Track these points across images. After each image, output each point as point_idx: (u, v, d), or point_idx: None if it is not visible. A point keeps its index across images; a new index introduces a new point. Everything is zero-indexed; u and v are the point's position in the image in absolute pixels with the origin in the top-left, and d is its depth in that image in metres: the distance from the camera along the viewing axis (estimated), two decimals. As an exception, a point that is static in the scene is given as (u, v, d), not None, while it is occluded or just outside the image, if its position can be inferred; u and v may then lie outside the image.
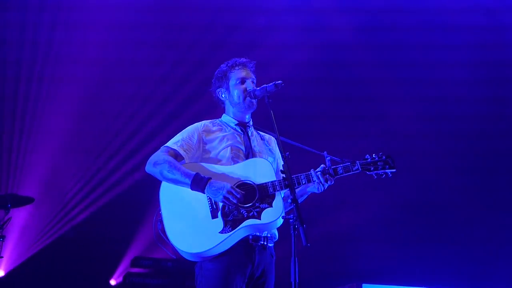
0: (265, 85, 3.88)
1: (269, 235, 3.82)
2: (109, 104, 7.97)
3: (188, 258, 3.74)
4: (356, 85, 8.11)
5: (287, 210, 3.87)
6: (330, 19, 8.14)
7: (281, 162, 4.08)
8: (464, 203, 7.99)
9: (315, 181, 3.77)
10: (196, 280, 3.78)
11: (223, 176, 3.76)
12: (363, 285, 6.67)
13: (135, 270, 7.38)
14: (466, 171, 8.02)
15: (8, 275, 7.46)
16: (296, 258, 3.34)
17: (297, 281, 3.32)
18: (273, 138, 4.17)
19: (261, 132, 4.17)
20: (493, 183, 7.97)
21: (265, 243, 3.79)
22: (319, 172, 3.76)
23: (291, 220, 3.43)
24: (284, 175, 3.61)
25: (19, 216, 7.53)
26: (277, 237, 3.92)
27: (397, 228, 7.95)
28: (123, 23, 7.96)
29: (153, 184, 3.93)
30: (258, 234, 3.76)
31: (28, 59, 7.87)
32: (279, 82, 3.81)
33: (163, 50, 8.09)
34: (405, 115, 8.10)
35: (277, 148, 4.14)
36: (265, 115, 3.86)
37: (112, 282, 7.76)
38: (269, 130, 4.13)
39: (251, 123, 4.13)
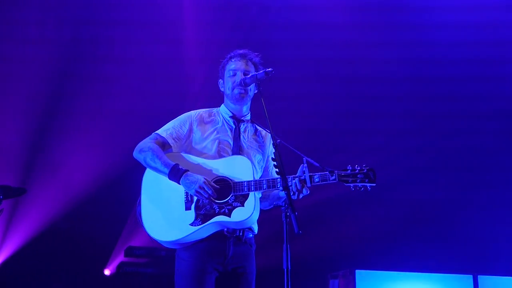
0: (255, 73, 3.87)
1: (246, 228, 3.84)
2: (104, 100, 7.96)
3: (163, 245, 3.84)
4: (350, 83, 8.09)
5: (270, 207, 3.95)
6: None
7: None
8: (459, 189, 8.03)
9: (290, 186, 3.69)
10: (175, 267, 3.88)
11: (202, 169, 3.81)
12: (356, 271, 6.72)
13: (128, 259, 7.40)
14: (462, 165, 8.06)
15: (1, 266, 7.46)
16: (288, 245, 3.34)
17: (290, 268, 3.33)
18: (268, 135, 4.10)
19: (258, 127, 4.14)
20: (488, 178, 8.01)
21: (241, 234, 3.82)
22: (296, 179, 3.69)
23: (282, 208, 3.44)
24: (275, 163, 3.58)
25: (11, 207, 7.51)
26: (256, 231, 3.94)
27: (389, 214, 7.98)
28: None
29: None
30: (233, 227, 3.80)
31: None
32: (269, 69, 3.78)
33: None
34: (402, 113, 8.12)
35: (271, 145, 4.08)
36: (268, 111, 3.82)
37: (106, 272, 7.76)
38: (263, 119, 4.09)
39: (248, 117, 4.10)
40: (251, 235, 3.90)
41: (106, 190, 7.70)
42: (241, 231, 3.81)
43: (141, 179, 3.92)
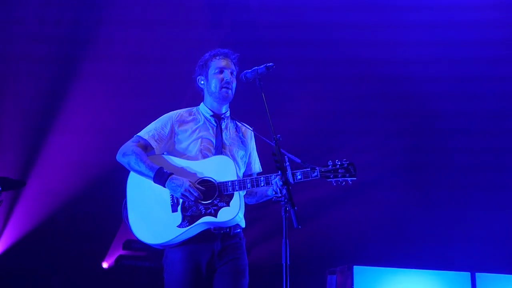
0: (256, 67, 3.86)
1: (232, 225, 3.88)
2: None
3: (152, 246, 3.89)
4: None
5: (257, 203, 4.02)
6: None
7: (255, 154, 4.18)
8: (458, 183, 8.04)
9: (272, 184, 3.74)
10: (164, 267, 3.94)
11: (186, 172, 3.85)
12: (354, 266, 6.72)
13: (126, 253, 7.40)
14: (461, 165, 8.07)
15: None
16: (287, 240, 3.35)
17: (288, 263, 3.33)
18: (249, 131, 4.18)
19: (239, 123, 4.17)
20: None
21: (229, 230, 3.86)
22: (277, 177, 3.70)
23: (282, 203, 3.44)
24: (275, 158, 3.58)
25: (10, 199, 7.51)
26: (243, 226, 3.97)
27: (388, 210, 7.99)
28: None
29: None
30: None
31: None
32: (270, 64, 3.79)
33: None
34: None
35: (253, 141, 4.19)
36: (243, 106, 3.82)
37: (104, 265, 7.77)
38: (262, 112, 4.07)
39: (228, 114, 4.14)
40: (238, 230, 3.94)
41: (105, 183, 7.70)
42: (229, 228, 3.86)
43: (125, 183, 3.97)
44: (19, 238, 7.61)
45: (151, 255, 7.28)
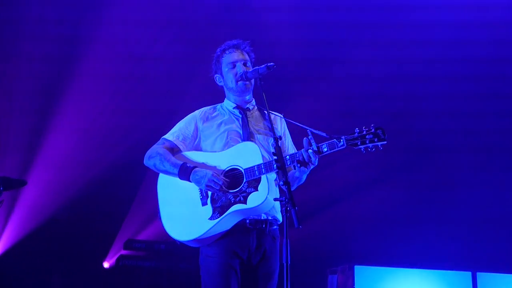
0: (257, 67, 3.84)
1: (269, 218, 3.82)
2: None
3: (189, 245, 3.84)
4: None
5: (297, 185, 3.88)
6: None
7: (288, 139, 4.11)
8: (459, 182, 8.04)
9: (292, 163, 3.66)
10: (200, 264, 3.86)
11: (212, 163, 3.81)
12: (355, 266, 6.73)
13: (128, 252, 7.39)
14: (461, 163, 8.08)
15: (0, 257, 7.46)
16: (288, 240, 3.33)
17: (289, 262, 3.31)
18: (278, 118, 4.11)
19: (266, 111, 4.04)
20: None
21: (265, 226, 3.79)
22: (302, 150, 3.64)
23: (283, 202, 3.41)
24: (276, 157, 3.55)
25: (11, 199, 7.51)
26: (281, 220, 3.89)
27: (389, 209, 7.98)
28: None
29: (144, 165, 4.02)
30: (256, 217, 3.77)
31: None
32: (271, 64, 3.75)
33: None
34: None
35: (283, 126, 4.11)
36: (272, 94, 3.80)
37: (105, 264, 7.77)
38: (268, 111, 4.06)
39: (253, 102, 4.10)
40: (275, 227, 3.87)
41: (107, 182, 7.70)
42: (265, 223, 3.79)
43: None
44: (20, 237, 7.60)
45: (153, 255, 7.28)
